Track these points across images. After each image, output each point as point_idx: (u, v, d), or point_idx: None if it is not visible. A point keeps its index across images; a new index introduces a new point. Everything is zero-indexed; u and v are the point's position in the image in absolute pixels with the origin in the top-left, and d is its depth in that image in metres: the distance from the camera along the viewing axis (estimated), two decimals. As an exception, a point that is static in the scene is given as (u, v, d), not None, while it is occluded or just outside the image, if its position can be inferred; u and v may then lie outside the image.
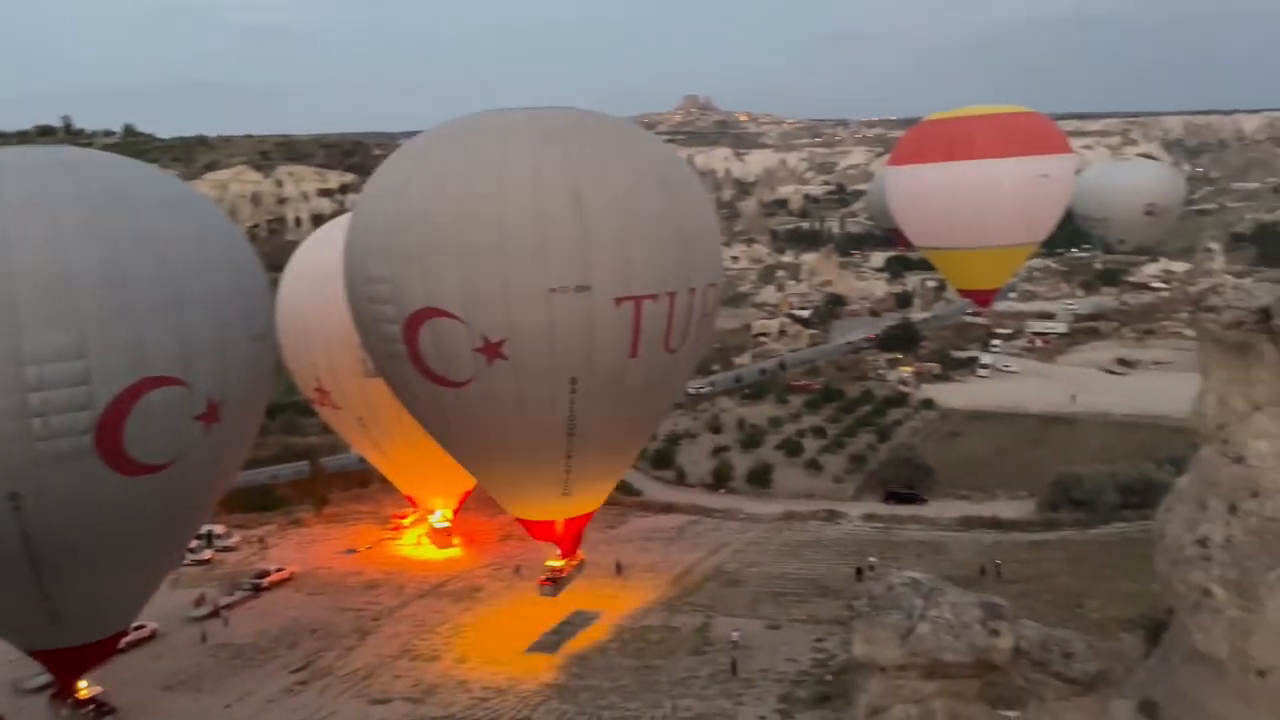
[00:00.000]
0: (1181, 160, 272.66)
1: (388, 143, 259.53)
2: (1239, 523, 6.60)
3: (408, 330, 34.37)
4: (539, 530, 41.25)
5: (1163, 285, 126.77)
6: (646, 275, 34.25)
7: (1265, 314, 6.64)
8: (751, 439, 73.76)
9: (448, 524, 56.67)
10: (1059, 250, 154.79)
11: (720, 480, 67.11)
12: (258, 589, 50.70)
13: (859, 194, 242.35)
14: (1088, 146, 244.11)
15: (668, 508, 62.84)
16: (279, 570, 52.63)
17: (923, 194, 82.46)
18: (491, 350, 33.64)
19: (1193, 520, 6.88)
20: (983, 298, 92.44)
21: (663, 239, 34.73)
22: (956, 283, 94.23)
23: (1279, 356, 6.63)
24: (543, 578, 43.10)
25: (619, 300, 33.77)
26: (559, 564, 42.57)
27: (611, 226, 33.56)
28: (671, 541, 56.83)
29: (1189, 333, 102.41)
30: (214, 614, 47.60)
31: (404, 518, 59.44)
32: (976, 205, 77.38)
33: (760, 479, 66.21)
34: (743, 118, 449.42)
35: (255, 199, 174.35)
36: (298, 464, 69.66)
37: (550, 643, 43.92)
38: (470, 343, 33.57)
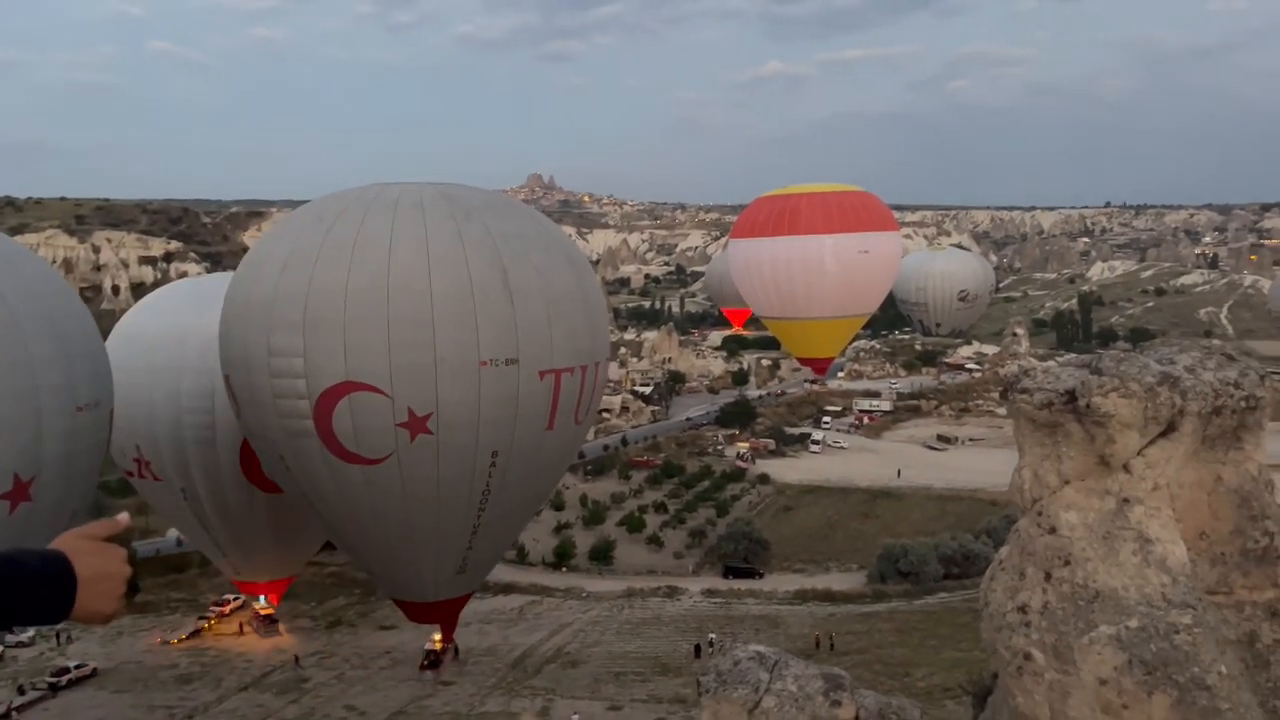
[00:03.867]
0: (989, 251, 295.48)
1: (218, 210, 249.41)
2: (1054, 589, 7.07)
3: (321, 405, 33.04)
4: (419, 611, 40.14)
5: (976, 366, 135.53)
6: (565, 349, 35.22)
7: (1071, 395, 7.24)
8: (594, 516, 73.57)
9: (273, 609, 53.56)
10: (883, 332, 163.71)
11: (562, 558, 66.42)
12: (55, 688, 46.17)
13: (697, 275, 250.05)
14: (907, 235, 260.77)
15: (508, 588, 61.59)
16: (80, 667, 48.15)
17: (759, 266, 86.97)
18: (417, 425, 33.11)
19: (1013, 588, 7.32)
20: (819, 366, 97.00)
21: (575, 314, 36.05)
22: (794, 351, 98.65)
23: (1084, 434, 7.22)
24: (422, 661, 42.40)
25: (542, 374, 34.43)
26: (438, 644, 42.31)
27: (536, 301, 34.43)
28: (512, 623, 55.57)
29: (1000, 411, 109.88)
30: (3, 718, 42.99)
31: (225, 604, 55.80)
32: (804, 278, 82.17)
33: (602, 556, 65.93)
34: (585, 198, 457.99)
35: (68, 265, 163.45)
36: (106, 549, 64.38)
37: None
38: (394, 417, 32.84)
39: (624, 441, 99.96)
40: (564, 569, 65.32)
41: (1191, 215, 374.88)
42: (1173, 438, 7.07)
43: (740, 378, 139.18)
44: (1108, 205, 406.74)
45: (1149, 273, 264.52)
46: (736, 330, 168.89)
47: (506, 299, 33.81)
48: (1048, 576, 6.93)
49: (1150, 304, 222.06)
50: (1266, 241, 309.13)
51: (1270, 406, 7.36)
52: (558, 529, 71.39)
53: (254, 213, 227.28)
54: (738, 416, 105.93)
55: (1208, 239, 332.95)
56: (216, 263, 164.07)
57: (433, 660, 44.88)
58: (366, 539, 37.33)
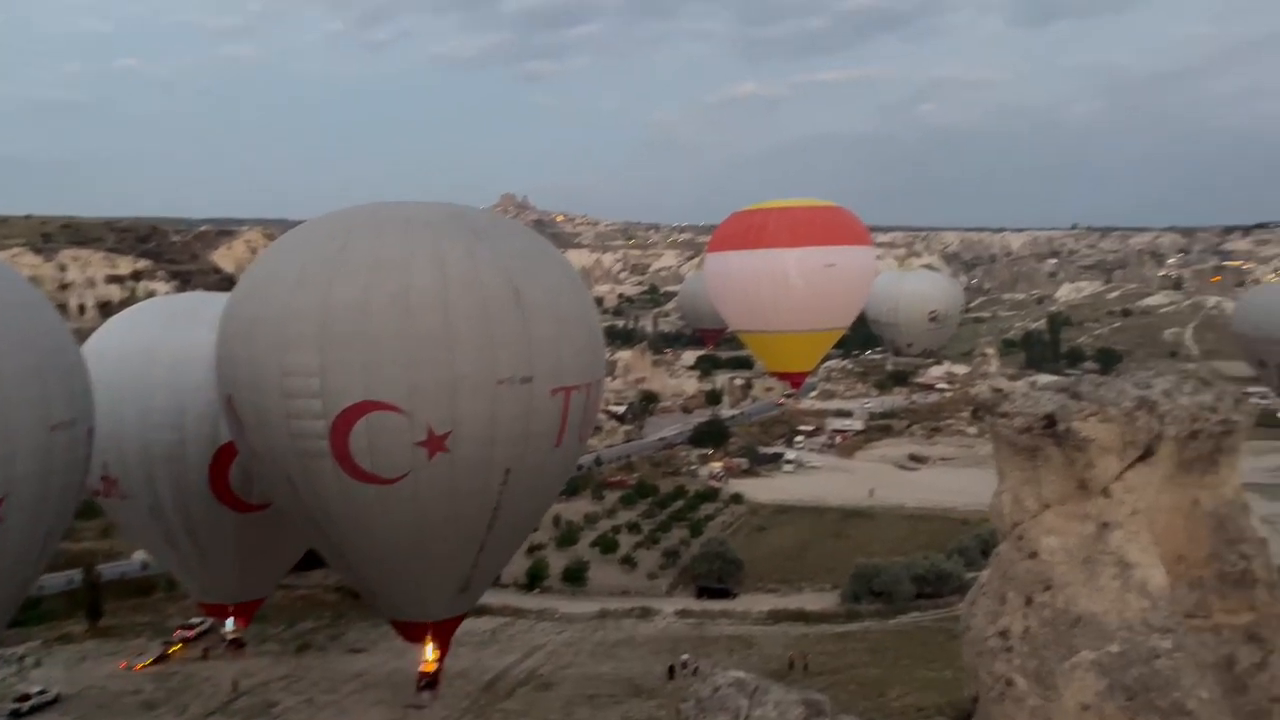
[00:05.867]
0: (959, 272, 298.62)
1: (188, 228, 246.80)
2: (1035, 615, 7.08)
3: (339, 425, 32.85)
4: (418, 631, 40.03)
5: (947, 386, 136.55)
6: (574, 366, 35.81)
7: (1050, 420, 7.28)
8: (567, 536, 73.10)
9: (241, 633, 52.66)
10: (855, 352, 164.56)
11: (535, 580, 65.88)
12: (17, 715, 45.08)
13: (671, 295, 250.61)
14: (879, 257, 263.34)
15: (480, 610, 60.69)
16: (42, 693, 47.01)
17: (732, 279, 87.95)
18: (435, 443, 33.21)
19: (994, 613, 7.33)
20: (794, 379, 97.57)
21: (581, 331, 36.83)
22: (769, 364, 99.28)
23: (1063, 459, 7.25)
24: (420, 683, 42.69)
25: (554, 391, 34.90)
26: (431, 665, 42.24)
27: (547, 319, 34.99)
28: (484, 645, 54.99)
29: (971, 431, 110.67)
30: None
31: (191, 628, 54.80)
32: (771, 291, 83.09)
33: (575, 577, 65.47)
34: (559, 218, 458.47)
35: (34, 284, 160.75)
36: (68, 572, 63.24)
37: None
38: (412, 436, 32.87)
39: (598, 461, 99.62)
40: (537, 590, 64.78)
41: (1156, 237, 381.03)
42: (1151, 462, 7.12)
43: (714, 397, 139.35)
44: (1074, 227, 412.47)
45: (1115, 294, 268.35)
46: (710, 350, 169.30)
47: (521, 317, 34.28)
48: (1029, 601, 6.94)
49: (1117, 324, 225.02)
50: (1229, 263, 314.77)
51: (1245, 431, 7.46)
52: (531, 550, 70.80)
53: (224, 231, 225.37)
54: (711, 436, 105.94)
55: (1172, 261, 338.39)
56: (186, 281, 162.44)
57: (429, 681, 44.55)
58: (373, 559, 37.21)
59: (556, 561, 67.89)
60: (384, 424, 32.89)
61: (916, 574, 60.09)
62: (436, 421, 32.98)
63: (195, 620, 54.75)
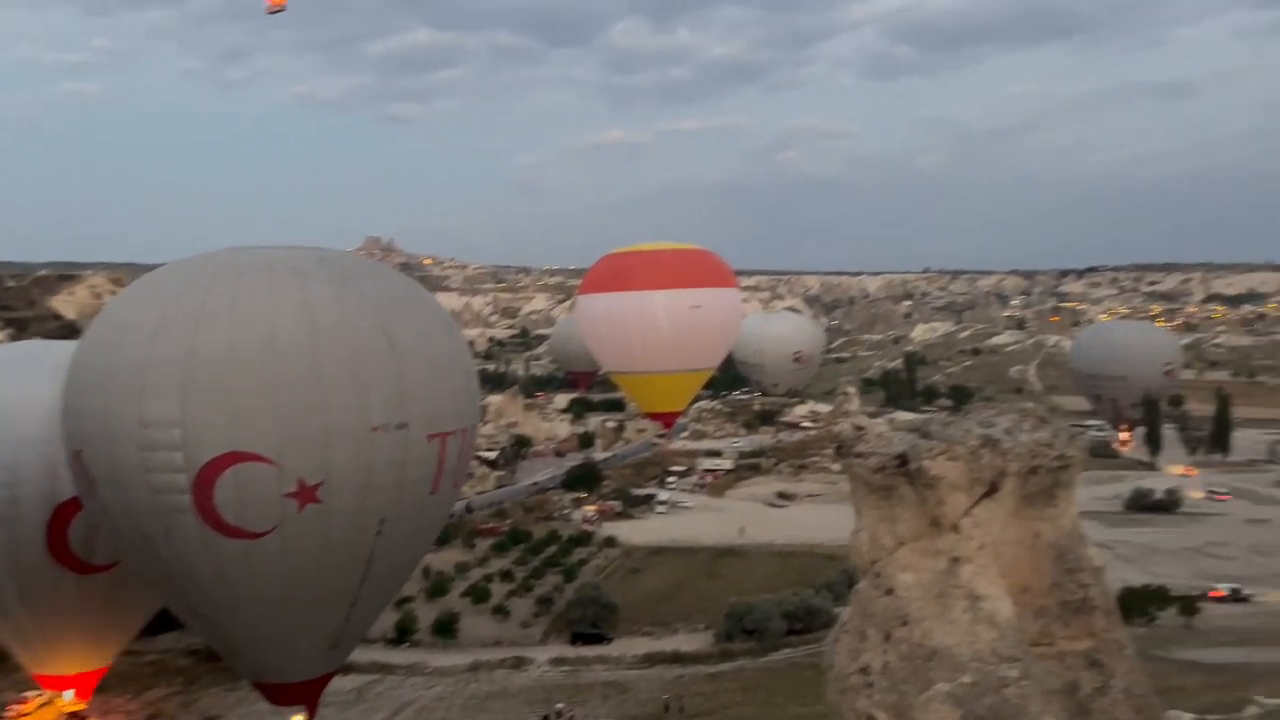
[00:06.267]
0: (820, 314, 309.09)
1: (25, 272, 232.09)
2: (893, 650, 7.27)
3: (202, 478, 30.98)
4: (284, 693, 37.71)
5: (811, 425, 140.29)
6: (449, 411, 34.90)
7: (903, 459, 7.56)
8: (437, 587, 71.26)
9: (83, 705, 48.97)
10: (724, 393, 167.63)
11: (404, 633, 63.83)
12: None
13: (542, 338, 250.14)
14: (744, 299, 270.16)
15: (345, 668, 58.27)
16: None
17: (602, 321, 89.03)
18: (306, 494, 31.70)
19: (855, 650, 7.50)
20: (666, 420, 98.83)
21: (456, 375, 35.98)
22: (642, 405, 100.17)
23: (915, 496, 7.52)
24: None
25: (430, 436, 33.93)
26: None
27: (421, 363, 34.06)
28: (350, 705, 52.82)
29: (835, 468, 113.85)
30: None
31: (25, 701, 50.61)
32: (639, 332, 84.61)
33: (446, 629, 63.79)
34: (427, 261, 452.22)
35: None
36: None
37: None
38: (281, 487, 31.36)
39: (469, 509, 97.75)
40: (406, 644, 62.78)
41: (1000, 280, 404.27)
42: (996, 497, 7.48)
43: (587, 440, 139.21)
44: (926, 271, 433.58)
45: (965, 333, 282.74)
46: (582, 393, 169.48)
47: (394, 362, 33.42)
48: (887, 637, 7.15)
49: (968, 363, 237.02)
50: (1065, 304, 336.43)
51: (1079, 466, 7.94)
52: (399, 603, 68.64)
53: (65, 276, 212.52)
54: (584, 479, 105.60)
55: (1015, 302, 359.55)
56: (22, 329, 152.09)
57: None
58: (237, 618, 35.29)
59: (426, 613, 66.04)
60: (251, 475, 31.58)
61: (787, 610, 61.08)
62: (308, 471, 31.84)
63: (30, 694, 50.65)
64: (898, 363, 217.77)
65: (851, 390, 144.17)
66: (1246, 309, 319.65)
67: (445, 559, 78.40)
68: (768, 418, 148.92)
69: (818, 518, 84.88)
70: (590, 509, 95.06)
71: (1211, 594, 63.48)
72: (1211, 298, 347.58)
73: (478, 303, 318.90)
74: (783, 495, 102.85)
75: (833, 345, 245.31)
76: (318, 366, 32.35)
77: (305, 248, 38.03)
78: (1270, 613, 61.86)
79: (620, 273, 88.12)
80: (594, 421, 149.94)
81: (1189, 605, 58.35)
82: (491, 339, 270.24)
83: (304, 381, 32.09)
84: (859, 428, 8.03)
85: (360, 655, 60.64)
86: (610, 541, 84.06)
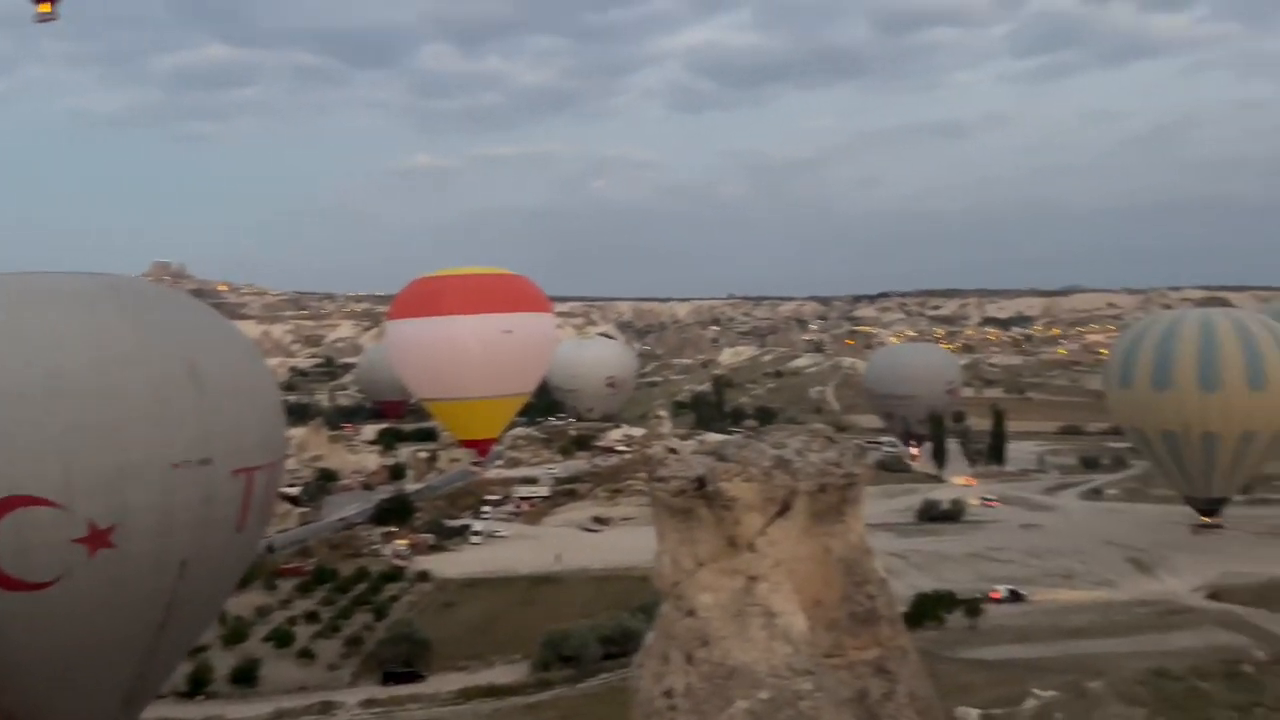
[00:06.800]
0: (633, 339, 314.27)
1: None
2: (695, 671, 7.40)
3: None
4: None
5: (625, 449, 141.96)
6: (256, 444, 33.21)
7: (701, 482, 7.73)
8: (236, 633, 67.04)
9: None
10: (539, 419, 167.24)
11: (198, 685, 59.62)
12: None
13: (349, 366, 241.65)
14: (558, 325, 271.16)
15: (132, 727, 54.07)
16: None
17: (413, 347, 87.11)
18: (98, 538, 29.16)
19: (660, 673, 7.58)
20: (481, 447, 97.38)
21: (263, 406, 34.40)
22: (456, 432, 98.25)
23: (714, 518, 7.72)
24: None
25: (236, 472, 32.14)
26: None
27: (226, 395, 32.34)
28: (136, 767, 48.71)
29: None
30: None
31: None
32: (450, 358, 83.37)
33: (246, 678, 60.10)
34: (222, 287, 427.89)
35: None
36: None
37: None
38: (69, 532, 28.78)
39: (270, 548, 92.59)
40: (201, 697, 58.65)
41: (800, 306, 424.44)
42: (789, 516, 7.79)
43: (398, 472, 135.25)
44: (731, 297, 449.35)
45: (769, 357, 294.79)
46: (392, 423, 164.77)
47: (196, 394, 31.56)
48: (689, 659, 7.28)
49: (771, 385, 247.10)
50: (859, 328, 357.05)
51: (866, 481, 8.40)
52: (193, 652, 64.16)
53: None
54: (395, 512, 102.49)
55: (813, 326, 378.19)
56: None
57: None
58: (18, 677, 31.81)
59: (223, 662, 62.01)
60: (34, 520, 28.96)
61: (603, 635, 61.25)
62: (99, 514, 29.54)
63: None
64: (706, 386, 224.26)
65: (663, 414, 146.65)
66: (1016, 331, 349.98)
67: (244, 603, 73.85)
68: (583, 443, 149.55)
69: (633, 541, 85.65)
70: (402, 543, 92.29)
71: (992, 595, 68.48)
72: (986, 321, 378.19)
73: (278, 331, 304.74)
74: (599, 520, 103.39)
75: (645, 370, 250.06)
76: (111, 401, 30.33)
77: (91, 274, 35.56)
78: (1043, 611, 67.42)
79: (430, 297, 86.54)
80: (405, 452, 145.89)
81: (973, 607, 62.70)
82: (294, 369, 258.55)
83: (95, 417, 30.01)
84: (672, 450, 8.19)
85: (148, 711, 56.16)
86: (423, 575, 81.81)
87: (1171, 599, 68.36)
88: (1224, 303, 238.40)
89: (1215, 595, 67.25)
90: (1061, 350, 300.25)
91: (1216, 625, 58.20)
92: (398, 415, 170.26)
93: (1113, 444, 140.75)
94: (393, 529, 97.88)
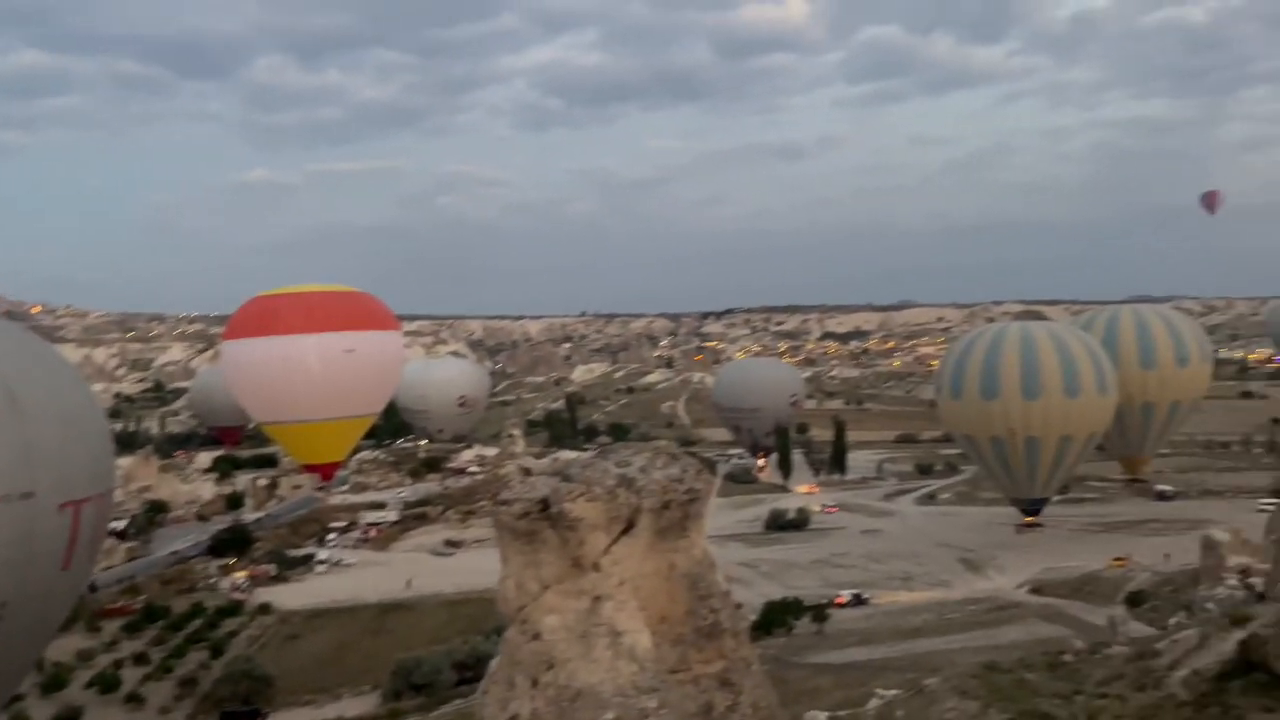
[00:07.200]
0: (484, 358, 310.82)
1: None
2: (541, 695, 7.34)
3: None
4: None
5: (478, 469, 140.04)
6: (85, 475, 31.21)
7: (545, 503, 7.69)
8: (55, 680, 62.19)
9: None
10: (386, 441, 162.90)
11: (10, 740, 54.97)
12: None
13: (180, 391, 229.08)
14: (407, 345, 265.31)
15: (-69, 792, 49.24)
16: None
17: (250, 368, 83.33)
18: None
19: (505, 699, 7.48)
20: (325, 471, 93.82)
21: (92, 435, 32.43)
22: (298, 457, 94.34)
23: (558, 539, 7.68)
24: None
25: (62, 506, 30.11)
26: None
27: (49, 424, 30.32)
28: (-63, 836, 44.46)
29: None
30: None
31: None
32: (288, 378, 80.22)
33: (65, 729, 55.81)
34: (35, 309, 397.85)
35: None
36: None
37: None
38: None
39: (93, 587, 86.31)
40: (14, 753, 54.09)
41: (650, 322, 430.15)
42: (633, 534, 7.83)
43: (235, 501, 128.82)
44: (583, 314, 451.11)
45: (621, 373, 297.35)
46: (229, 449, 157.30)
47: (17, 423, 29.29)
48: (534, 683, 7.19)
49: (624, 401, 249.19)
50: (707, 344, 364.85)
51: (709, 496, 8.54)
52: (8, 703, 59.13)
53: None
54: (233, 544, 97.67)
55: (664, 343, 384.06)
56: None
57: None
58: None
59: (41, 712, 57.47)
60: None
61: (457, 660, 60.00)
62: None
63: None
64: (559, 403, 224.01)
65: (516, 433, 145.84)
66: (854, 345, 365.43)
67: (64, 647, 68.55)
68: (434, 465, 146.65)
69: (487, 563, 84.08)
70: (240, 575, 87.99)
71: (836, 601, 70.89)
72: (826, 335, 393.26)
73: (101, 354, 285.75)
74: (450, 543, 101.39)
75: (497, 388, 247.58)
76: None
77: None
78: (884, 613, 70.26)
79: (268, 316, 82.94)
80: (243, 480, 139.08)
81: (819, 613, 64.67)
82: (119, 395, 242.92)
83: None
84: (526, 470, 8.06)
85: (-49, 775, 51.37)
86: (264, 608, 78.16)
87: (999, 596, 72.49)
88: (1040, 316, 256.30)
89: (1038, 590, 71.77)
90: (896, 363, 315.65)
91: (1039, 618, 62.04)
92: (234, 442, 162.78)
93: (944, 450, 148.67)
94: (230, 561, 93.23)
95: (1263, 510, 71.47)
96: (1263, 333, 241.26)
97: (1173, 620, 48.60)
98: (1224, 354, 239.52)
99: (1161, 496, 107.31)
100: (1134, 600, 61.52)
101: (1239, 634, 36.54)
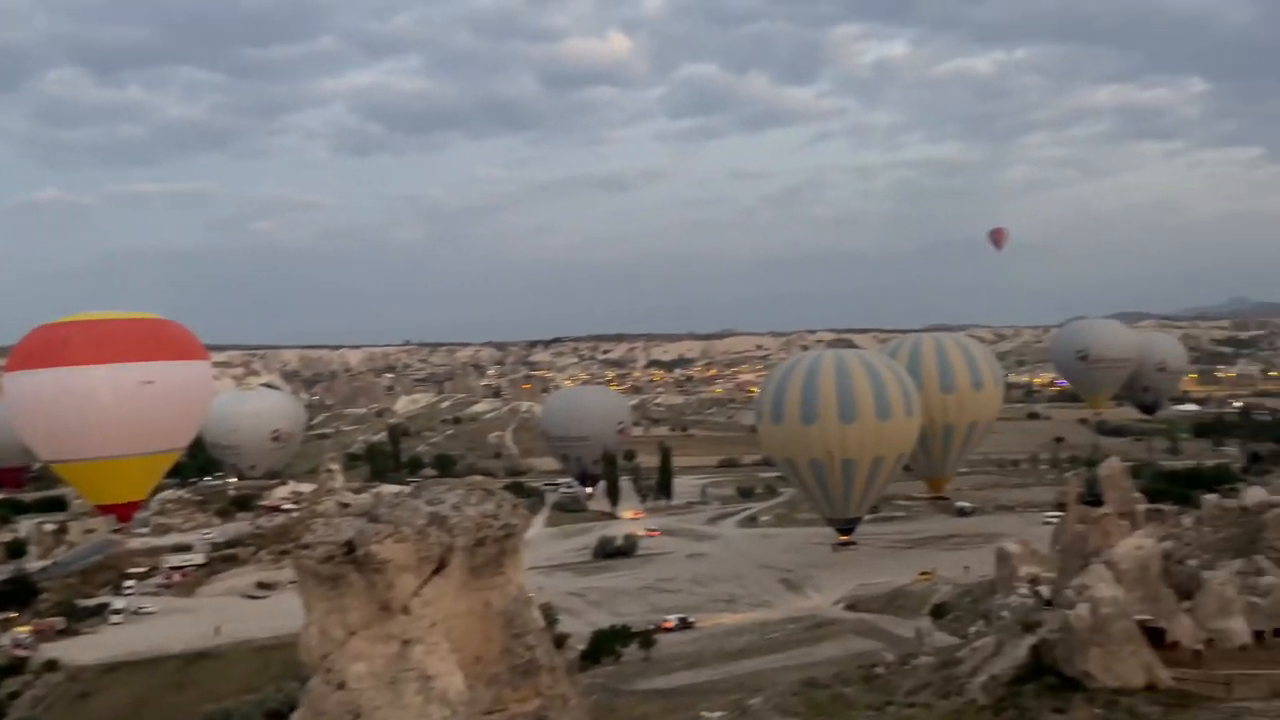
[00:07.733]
0: (300, 389, 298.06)
1: None
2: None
3: None
4: None
5: (293, 506, 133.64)
6: None
7: (350, 546, 7.37)
8: None
9: None
10: (192, 480, 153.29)
11: None
12: None
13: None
14: (216, 377, 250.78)
15: None
16: None
17: (34, 402, 77.02)
18: None
19: (308, 755, 7.08)
20: (122, 512, 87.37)
21: None
22: (91, 498, 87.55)
23: (365, 583, 7.38)
24: None
25: None
26: None
27: None
28: None
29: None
30: None
31: None
32: (79, 413, 74.88)
33: None
34: None
35: None
36: None
37: None
38: None
39: None
40: None
41: (477, 351, 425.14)
42: (445, 573, 7.61)
43: (17, 549, 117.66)
44: (407, 343, 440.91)
45: (447, 403, 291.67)
46: (10, 492, 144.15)
47: None
48: (339, 735, 6.87)
49: (450, 432, 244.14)
50: (535, 373, 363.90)
51: (524, 532, 8.42)
52: None
53: None
54: (15, 596, 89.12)
55: (491, 371, 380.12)
56: None
57: None
58: None
59: None
60: None
61: (269, 710, 56.75)
62: None
63: None
64: (382, 436, 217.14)
65: (335, 467, 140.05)
66: (678, 372, 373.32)
67: None
68: (245, 503, 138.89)
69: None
70: (23, 630, 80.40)
71: (663, 625, 71.72)
72: (652, 363, 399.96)
73: None
74: (263, 585, 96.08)
75: (314, 421, 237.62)
76: None
77: None
78: (710, 635, 71.60)
79: (55, 346, 76.75)
80: (26, 525, 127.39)
81: (647, 639, 65.23)
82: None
83: None
84: (345, 505, 7.70)
85: None
86: (51, 665, 71.61)
87: (818, 614, 75.30)
88: (850, 343, 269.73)
89: (852, 606, 75.04)
90: (718, 389, 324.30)
91: (854, 634, 64.80)
92: (16, 484, 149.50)
93: (764, 474, 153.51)
94: (12, 615, 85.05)
95: (1048, 523, 77.64)
96: (1046, 358, 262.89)
97: (973, 629, 51.86)
98: (1012, 378, 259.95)
99: (961, 512, 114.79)
100: (938, 612, 65.31)
101: (1030, 639, 39.41)
